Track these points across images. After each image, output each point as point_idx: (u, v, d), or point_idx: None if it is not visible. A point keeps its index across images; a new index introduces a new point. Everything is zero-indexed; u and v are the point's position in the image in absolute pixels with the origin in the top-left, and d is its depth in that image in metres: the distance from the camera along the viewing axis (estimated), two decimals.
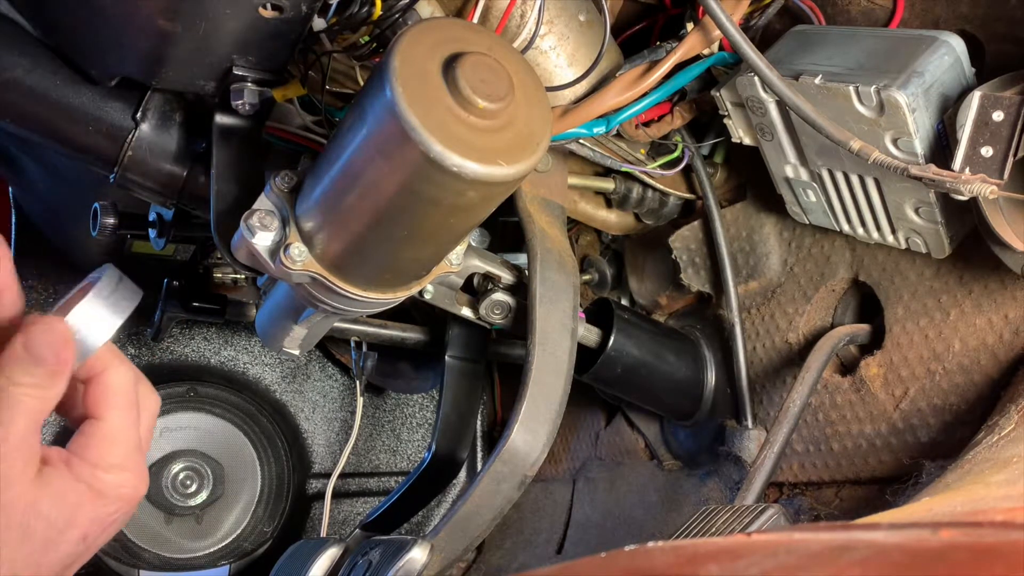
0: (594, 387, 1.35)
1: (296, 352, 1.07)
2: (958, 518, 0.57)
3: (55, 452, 0.71)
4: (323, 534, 1.58)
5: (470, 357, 1.38)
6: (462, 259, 1.00)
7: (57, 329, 0.71)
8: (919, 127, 0.91)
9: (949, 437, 1.03)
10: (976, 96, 0.86)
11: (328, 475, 1.68)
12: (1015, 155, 0.84)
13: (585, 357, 1.22)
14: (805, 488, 1.20)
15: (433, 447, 1.32)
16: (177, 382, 1.68)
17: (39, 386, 0.69)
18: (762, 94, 1.01)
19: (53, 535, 0.68)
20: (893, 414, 1.09)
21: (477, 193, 0.74)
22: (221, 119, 0.96)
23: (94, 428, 0.72)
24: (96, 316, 0.72)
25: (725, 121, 1.09)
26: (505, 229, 1.29)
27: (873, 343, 1.14)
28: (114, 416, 0.73)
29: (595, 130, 1.08)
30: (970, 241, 1.00)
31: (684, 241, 1.30)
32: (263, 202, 0.87)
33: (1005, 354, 0.99)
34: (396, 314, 1.30)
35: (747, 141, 1.10)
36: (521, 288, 1.13)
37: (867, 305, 1.19)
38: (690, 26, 1.07)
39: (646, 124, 1.18)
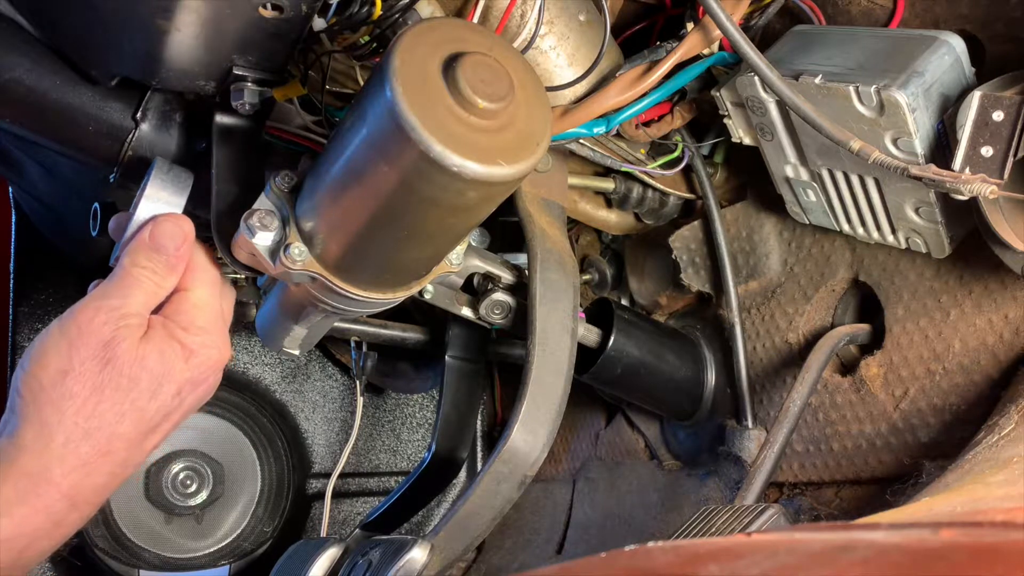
0: (594, 387, 1.35)
1: (296, 352, 1.07)
2: (958, 518, 0.57)
3: (154, 318, 0.83)
4: (323, 534, 1.58)
5: (470, 357, 1.38)
6: (462, 259, 1.00)
7: (181, 226, 0.86)
8: (919, 127, 0.91)
9: (949, 437, 1.03)
10: (976, 96, 0.86)
11: (328, 475, 1.68)
12: (1015, 155, 0.84)
13: (585, 357, 1.22)
14: (805, 488, 1.20)
15: (433, 447, 1.32)
16: None
17: (156, 272, 0.83)
18: (762, 94, 1.01)
19: (154, 385, 0.80)
20: (893, 414, 1.09)
21: (477, 193, 0.74)
22: (221, 119, 0.96)
23: (183, 297, 0.86)
24: (163, 199, 0.87)
25: (725, 121, 1.09)
26: (505, 229, 1.29)
27: (873, 343, 1.14)
28: (200, 288, 0.87)
29: (595, 130, 1.08)
30: (970, 241, 1.00)
31: (684, 241, 1.30)
32: (263, 202, 0.88)
33: (1005, 354, 0.99)
34: (396, 314, 1.30)
35: (747, 141, 1.10)
36: (521, 288, 1.13)
37: (867, 305, 1.19)
38: (690, 26, 1.07)
39: (646, 124, 1.18)
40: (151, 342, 0.81)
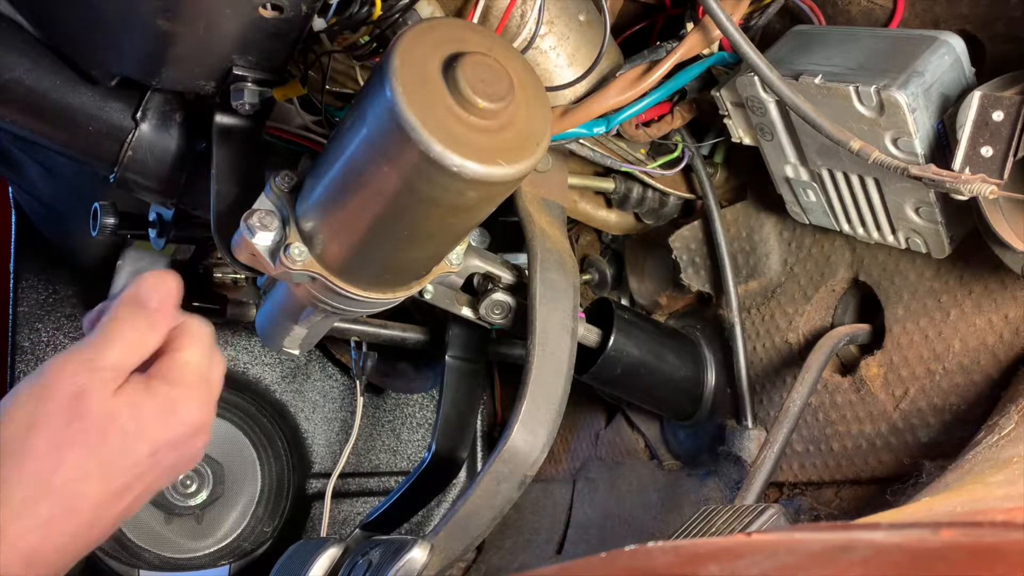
0: (594, 387, 1.35)
1: (296, 352, 1.07)
2: (958, 518, 0.57)
3: (136, 375, 0.76)
4: (323, 534, 1.58)
5: (470, 357, 1.38)
6: (462, 259, 1.00)
7: (165, 280, 0.80)
8: (919, 127, 0.91)
9: (949, 437, 1.03)
10: (976, 96, 0.86)
11: (328, 475, 1.68)
12: (1015, 155, 0.84)
13: (585, 357, 1.22)
14: (805, 488, 1.20)
15: (433, 447, 1.32)
16: None
17: (135, 327, 0.76)
18: (762, 94, 1.01)
19: (126, 443, 0.73)
20: (893, 414, 1.09)
21: (477, 193, 0.74)
22: (221, 119, 0.96)
23: (172, 356, 0.79)
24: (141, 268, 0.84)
25: (725, 121, 1.09)
26: (505, 229, 1.29)
27: (873, 343, 1.14)
28: (192, 350, 0.79)
29: (595, 130, 1.08)
30: (970, 241, 1.00)
31: (684, 241, 1.30)
32: (263, 202, 0.88)
33: (1005, 354, 0.99)
34: (396, 314, 1.30)
35: (747, 141, 1.10)
36: (521, 288, 1.13)
37: (867, 305, 1.19)
38: (690, 26, 1.07)
39: (646, 124, 1.18)
40: (124, 396, 0.74)
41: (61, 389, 0.72)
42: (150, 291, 0.78)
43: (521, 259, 1.26)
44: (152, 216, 1.16)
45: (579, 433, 1.61)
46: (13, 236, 1.60)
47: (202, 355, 0.80)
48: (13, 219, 1.60)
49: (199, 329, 0.81)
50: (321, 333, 1.08)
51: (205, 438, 0.80)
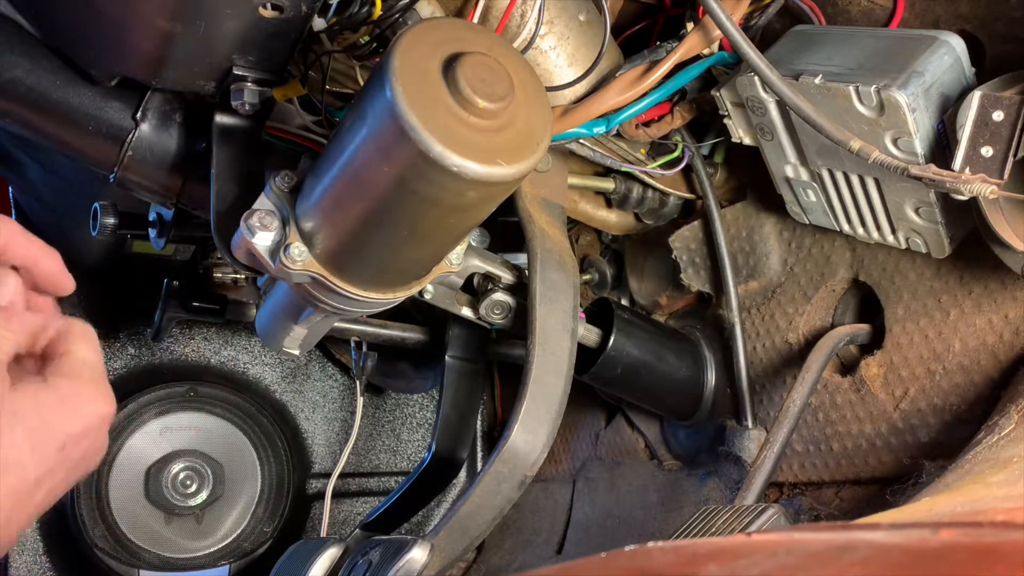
0: (594, 387, 1.35)
1: (296, 352, 1.07)
2: (958, 518, 0.57)
3: (31, 375, 0.75)
4: (323, 534, 1.58)
5: (470, 357, 1.38)
6: (462, 259, 1.00)
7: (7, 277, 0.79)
8: (919, 127, 0.91)
9: (949, 437, 1.03)
10: (976, 96, 0.86)
11: (328, 475, 1.68)
12: (1015, 155, 0.84)
13: (585, 357, 1.22)
14: (805, 488, 1.20)
15: (433, 447, 1.32)
16: (177, 382, 1.68)
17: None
18: (762, 94, 1.01)
19: (33, 439, 0.72)
20: (893, 414, 1.09)
21: (477, 193, 0.74)
22: (221, 119, 0.96)
23: (66, 355, 0.77)
24: None
25: (725, 121, 1.09)
26: (505, 229, 1.29)
27: (873, 343, 1.14)
28: (84, 347, 0.78)
29: (595, 130, 1.08)
30: (970, 241, 1.00)
31: (684, 241, 1.30)
32: (263, 202, 0.87)
33: (1005, 354, 0.99)
34: (396, 314, 1.30)
35: (747, 141, 1.10)
36: (521, 288, 1.13)
37: (867, 305, 1.19)
38: (690, 26, 1.07)
39: (646, 124, 1.18)
40: (24, 392, 0.73)
41: None
42: None
43: (521, 259, 1.26)
44: (152, 216, 1.16)
45: (579, 433, 1.61)
46: None
47: (95, 351, 0.80)
48: (13, 219, 1.60)
49: (85, 328, 0.80)
50: (321, 333, 1.08)
51: (106, 424, 0.79)
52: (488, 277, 1.13)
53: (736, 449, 1.23)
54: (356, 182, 0.78)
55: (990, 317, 1.00)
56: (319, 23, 0.91)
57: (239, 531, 1.70)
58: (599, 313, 1.26)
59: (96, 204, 1.14)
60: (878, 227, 1.05)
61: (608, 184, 1.30)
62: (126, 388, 1.66)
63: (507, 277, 1.12)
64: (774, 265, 1.24)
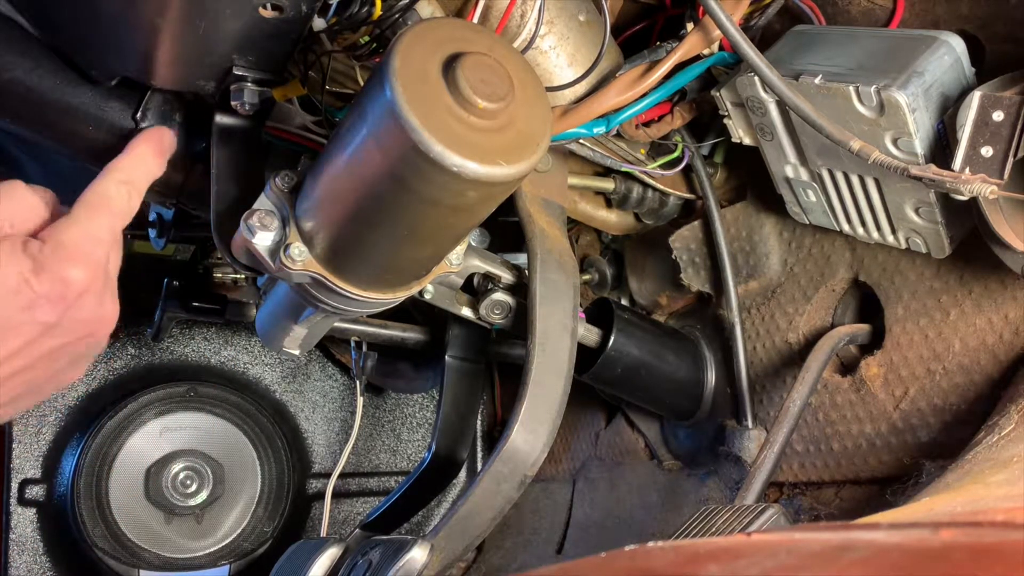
0: (594, 387, 1.35)
1: (296, 352, 1.07)
2: (958, 518, 0.57)
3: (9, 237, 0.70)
4: (323, 534, 1.58)
5: (470, 357, 1.38)
6: (462, 259, 1.00)
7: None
8: (919, 127, 0.91)
9: (949, 437, 1.03)
10: (976, 96, 0.86)
11: (328, 475, 1.68)
12: (1015, 155, 0.84)
13: (585, 357, 1.22)
14: (805, 488, 1.20)
15: (433, 447, 1.32)
16: (177, 382, 1.69)
17: None
18: (762, 94, 1.01)
19: None
20: (893, 414, 1.09)
21: (477, 193, 0.74)
22: (221, 119, 0.96)
23: (60, 222, 0.72)
24: None
25: (725, 121, 1.09)
26: (505, 229, 1.29)
27: (873, 343, 1.14)
28: (85, 214, 0.72)
29: (595, 130, 1.08)
30: (970, 241, 1.00)
31: (684, 241, 1.30)
32: (263, 202, 0.88)
33: (1005, 354, 0.99)
34: (396, 314, 1.30)
35: (747, 141, 1.09)
36: (521, 288, 1.13)
37: (867, 305, 1.19)
38: (690, 26, 1.07)
39: (646, 124, 1.18)
40: None
41: None
42: None
43: (521, 259, 1.26)
44: (152, 216, 1.16)
45: (579, 433, 1.61)
46: None
47: (100, 222, 0.73)
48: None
49: (103, 190, 0.73)
50: (321, 333, 1.08)
51: (90, 303, 0.72)
52: (488, 277, 1.13)
53: (736, 449, 1.23)
54: (356, 182, 0.78)
55: (990, 317, 1.00)
56: (319, 23, 0.91)
57: (239, 531, 1.70)
58: (599, 313, 1.26)
59: None
60: (878, 227, 1.05)
61: (608, 184, 1.30)
62: (126, 388, 1.66)
63: (507, 277, 1.12)
64: (774, 265, 1.24)
